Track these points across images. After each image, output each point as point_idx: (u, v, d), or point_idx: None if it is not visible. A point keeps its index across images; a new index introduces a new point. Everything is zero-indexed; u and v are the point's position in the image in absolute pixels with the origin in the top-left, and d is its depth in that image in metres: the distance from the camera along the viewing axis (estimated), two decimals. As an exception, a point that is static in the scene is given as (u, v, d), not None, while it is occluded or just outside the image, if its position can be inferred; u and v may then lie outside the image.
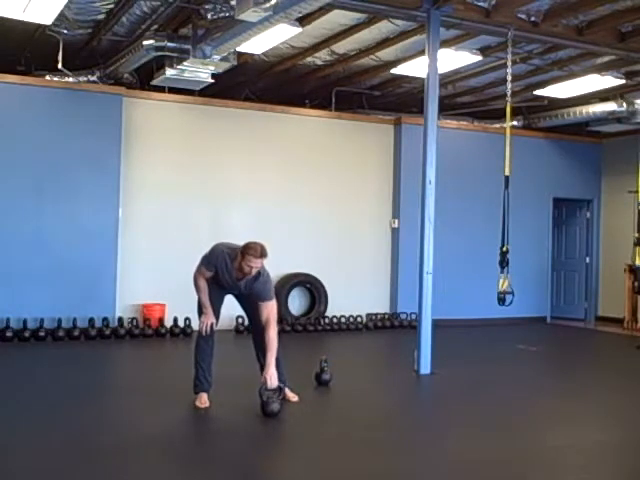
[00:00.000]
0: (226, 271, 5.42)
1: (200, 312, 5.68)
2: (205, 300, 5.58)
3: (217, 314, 5.71)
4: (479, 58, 8.78)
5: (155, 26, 8.06)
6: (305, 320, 10.39)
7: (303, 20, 7.51)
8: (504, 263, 7.44)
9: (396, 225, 11.09)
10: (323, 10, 7.26)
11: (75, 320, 8.92)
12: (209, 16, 7.39)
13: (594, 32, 7.77)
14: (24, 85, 9.00)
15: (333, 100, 11.00)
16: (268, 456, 4.60)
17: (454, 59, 8.71)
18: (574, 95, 10.29)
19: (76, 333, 8.85)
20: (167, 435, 4.84)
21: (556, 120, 11.38)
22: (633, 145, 11.19)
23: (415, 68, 9.09)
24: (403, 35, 8.24)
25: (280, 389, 5.39)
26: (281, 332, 9.83)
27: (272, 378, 5.27)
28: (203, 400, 5.56)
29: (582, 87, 9.87)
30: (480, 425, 5.36)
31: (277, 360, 5.74)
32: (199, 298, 5.63)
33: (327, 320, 10.52)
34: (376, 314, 10.90)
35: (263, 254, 5.25)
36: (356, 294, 10.86)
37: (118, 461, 4.28)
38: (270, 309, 5.45)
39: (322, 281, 10.55)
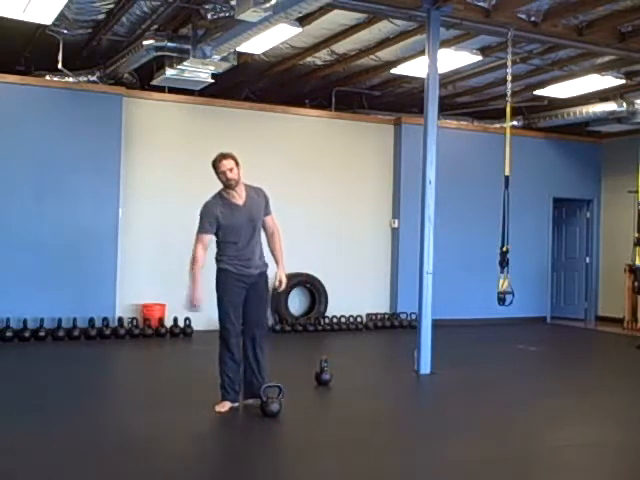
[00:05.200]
0: (227, 204, 5.44)
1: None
2: (198, 275, 5.38)
3: (241, 321, 5.57)
4: (479, 58, 8.78)
5: (155, 26, 8.05)
6: (305, 320, 10.39)
7: (303, 20, 7.51)
8: (504, 263, 7.44)
9: (396, 225, 11.09)
10: (323, 10, 7.26)
11: (75, 320, 8.92)
12: (209, 16, 7.39)
13: (594, 32, 7.78)
14: (24, 85, 9.00)
15: (333, 100, 10.99)
16: (268, 456, 4.60)
17: (454, 59, 8.71)
18: (574, 95, 10.29)
19: (76, 333, 8.86)
20: (167, 435, 4.84)
21: (556, 120, 11.38)
22: (633, 145, 11.18)
23: (415, 68, 9.09)
24: (403, 35, 8.24)
25: (280, 389, 5.39)
26: (281, 332, 9.95)
27: (283, 281, 5.57)
28: (223, 406, 5.43)
29: (582, 87, 9.87)
30: (480, 425, 5.36)
31: (264, 361, 5.63)
32: (193, 273, 5.37)
33: (327, 320, 10.51)
34: (376, 314, 10.89)
35: (228, 155, 5.49)
36: (356, 294, 10.85)
37: (118, 461, 4.28)
38: (274, 221, 5.68)
39: (322, 281, 10.55)
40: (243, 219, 5.44)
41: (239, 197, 5.51)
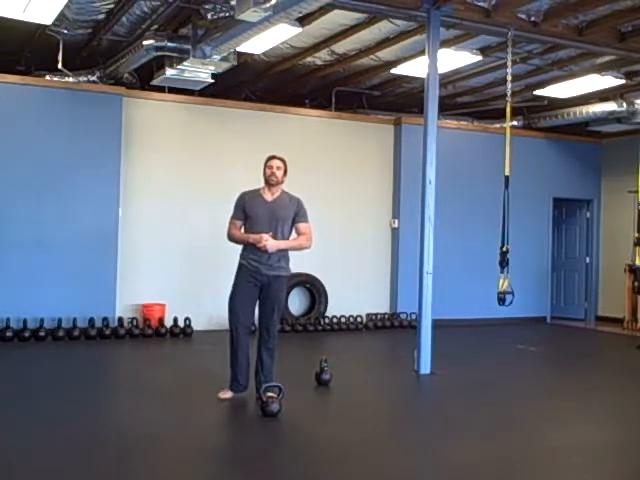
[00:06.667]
0: (257, 197, 5.79)
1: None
2: (245, 236, 5.71)
3: (252, 315, 5.81)
4: (479, 58, 8.78)
5: (155, 26, 8.05)
6: (305, 320, 10.39)
7: (303, 20, 7.51)
8: (504, 263, 7.44)
9: (396, 225, 11.08)
10: (323, 10, 7.26)
11: (75, 320, 8.92)
12: (209, 16, 7.39)
13: (594, 32, 7.77)
14: (24, 85, 8.99)
15: (333, 100, 10.99)
16: (268, 456, 4.59)
17: (454, 59, 8.71)
18: (574, 95, 10.29)
19: (76, 333, 8.85)
20: (166, 435, 4.84)
21: (556, 120, 11.38)
22: (633, 145, 11.18)
23: (415, 68, 9.09)
24: (403, 35, 8.23)
25: (280, 389, 5.39)
26: (281, 332, 9.91)
27: (268, 246, 5.59)
28: (225, 393, 5.75)
29: (582, 87, 9.87)
30: (480, 425, 5.37)
31: (269, 362, 5.79)
32: (243, 240, 5.73)
33: (327, 320, 10.51)
34: (376, 314, 10.89)
35: (281, 158, 5.85)
36: (356, 294, 10.85)
37: (118, 460, 4.28)
38: (309, 229, 5.86)
39: (322, 281, 10.55)
40: (265, 213, 5.71)
41: (270, 195, 5.81)
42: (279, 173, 5.76)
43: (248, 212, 5.73)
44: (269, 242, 5.59)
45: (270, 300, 5.74)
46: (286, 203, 5.80)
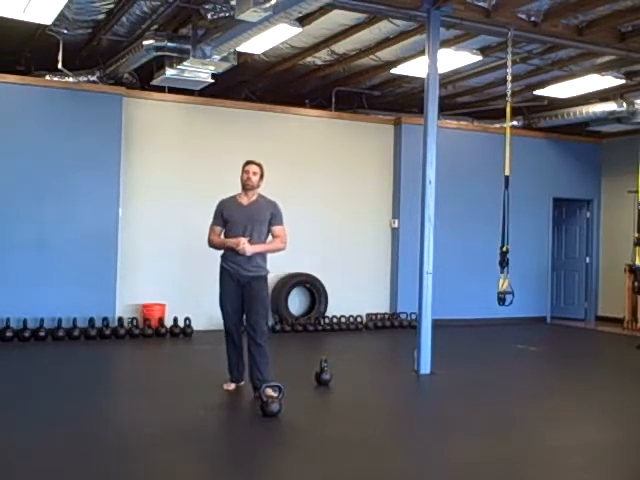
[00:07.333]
0: (233, 202, 6.07)
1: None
2: (223, 240, 6.00)
3: (240, 314, 6.02)
4: (479, 58, 8.78)
5: (155, 26, 8.06)
6: (305, 320, 10.39)
7: (303, 20, 7.51)
8: (504, 263, 7.44)
9: (396, 225, 11.08)
10: (323, 10, 7.26)
11: (75, 320, 8.92)
12: (209, 16, 7.39)
13: (594, 32, 7.77)
14: (24, 85, 9.00)
15: (333, 100, 10.99)
16: (268, 456, 4.60)
17: (454, 59, 8.71)
18: (574, 95, 10.29)
19: (76, 333, 8.86)
20: (166, 435, 4.84)
21: (556, 120, 11.38)
22: (633, 145, 11.18)
23: (415, 68, 9.09)
24: (403, 35, 8.23)
25: (280, 389, 5.39)
26: (281, 332, 9.95)
27: (244, 250, 5.81)
28: (228, 385, 6.11)
29: (582, 87, 9.87)
30: (480, 425, 5.37)
31: (262, 359, 5.84)
32: (222, 245, 6.02)
33: (327, 320, 10.51)
34: (376, 314, 10.89)
35: (258, 163, 6.07)
36: (356, 294, 10.85)
37: (118, 460, 4.28)
38: (283, 232, 6.06)
39: (322, 281, 10.55)
40: (242, 216, 5.96)
41: (246, 199, 6.09)
42: (255, 178, 6.01)
43: (226, 217, 6.02)
44: (246, 246, 5.79)
45: (252, 299, 5.92)
46: (262, 206, 6.04)
